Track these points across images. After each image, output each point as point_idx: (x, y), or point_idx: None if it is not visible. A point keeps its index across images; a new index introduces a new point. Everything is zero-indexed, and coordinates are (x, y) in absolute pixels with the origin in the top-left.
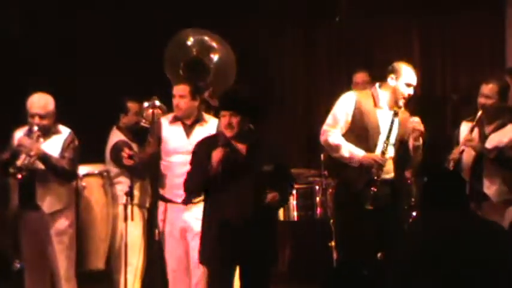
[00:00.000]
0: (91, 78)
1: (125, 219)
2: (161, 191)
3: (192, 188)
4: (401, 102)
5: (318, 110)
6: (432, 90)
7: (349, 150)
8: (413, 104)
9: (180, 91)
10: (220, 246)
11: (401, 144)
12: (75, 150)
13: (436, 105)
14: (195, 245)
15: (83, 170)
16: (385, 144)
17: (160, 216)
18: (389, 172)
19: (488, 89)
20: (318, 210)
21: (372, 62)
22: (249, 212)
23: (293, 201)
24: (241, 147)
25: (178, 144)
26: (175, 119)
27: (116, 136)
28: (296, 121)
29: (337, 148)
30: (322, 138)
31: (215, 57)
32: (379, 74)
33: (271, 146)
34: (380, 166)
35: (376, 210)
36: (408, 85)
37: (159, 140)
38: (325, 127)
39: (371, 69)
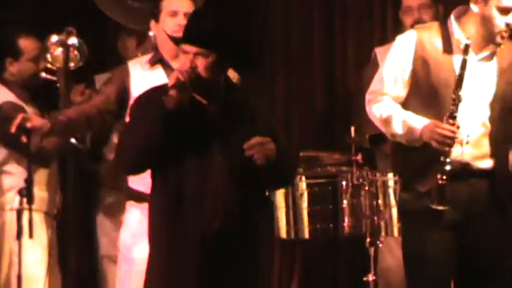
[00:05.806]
0: None
1: (18, 235)
2: (129, 183)
3: (130, 151)
4: (498, 39)
5: (343, 56)
6: None
7: (404, 120)
8: None
9: (188, 6)
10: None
11: (504, 107)
12: None
13: None
14: None
15: None
16: (453, 102)
17: (127, 229)
18: (483, 157)
19: None
20: (346, 221)
21: None
22: (222, 215)
23: (304, 208)
24: (211, 106)
25: None
26: (155, 60)
27: (0, 95)
28: (313, 77)
29: (386, 122)
30: (368, 112)
31: None
32: None
33: (264, 113)
34: (445, 139)
35: (461, 222)
36: (505, 10)
37: (122, 93)
38: (368, 95)
39: None
